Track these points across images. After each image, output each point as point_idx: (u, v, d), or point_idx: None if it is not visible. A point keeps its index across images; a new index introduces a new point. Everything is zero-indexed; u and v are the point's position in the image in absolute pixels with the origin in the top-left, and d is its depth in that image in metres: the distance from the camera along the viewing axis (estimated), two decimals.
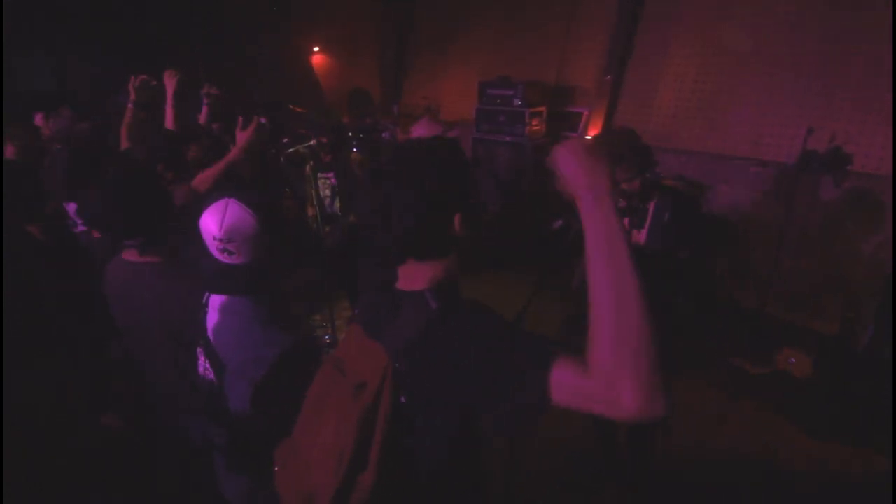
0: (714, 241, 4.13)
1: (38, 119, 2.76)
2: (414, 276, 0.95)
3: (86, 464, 1.66)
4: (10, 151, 2.72)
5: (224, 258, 1.18)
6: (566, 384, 0.72)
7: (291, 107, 6.16)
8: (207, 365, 1.26)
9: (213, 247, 1.17)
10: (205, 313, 1.27)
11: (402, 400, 0.87)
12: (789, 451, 2.63)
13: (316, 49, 7.33)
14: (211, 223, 1.15)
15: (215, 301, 1.26)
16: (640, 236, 2.02)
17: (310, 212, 3.33)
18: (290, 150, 3.21)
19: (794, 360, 1.45)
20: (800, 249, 3.69)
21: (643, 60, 4.77)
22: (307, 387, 1.03)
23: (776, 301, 3.82)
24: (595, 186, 0.77)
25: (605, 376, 0.67)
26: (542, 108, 5.22)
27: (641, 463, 2.31)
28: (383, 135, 5.48)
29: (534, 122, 5.11)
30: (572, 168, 0.80)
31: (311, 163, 3.29)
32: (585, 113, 5.17)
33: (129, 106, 2.42)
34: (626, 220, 2.02)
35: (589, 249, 0.76)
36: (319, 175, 3.26)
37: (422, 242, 0.91)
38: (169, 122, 2.48)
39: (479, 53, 6.51)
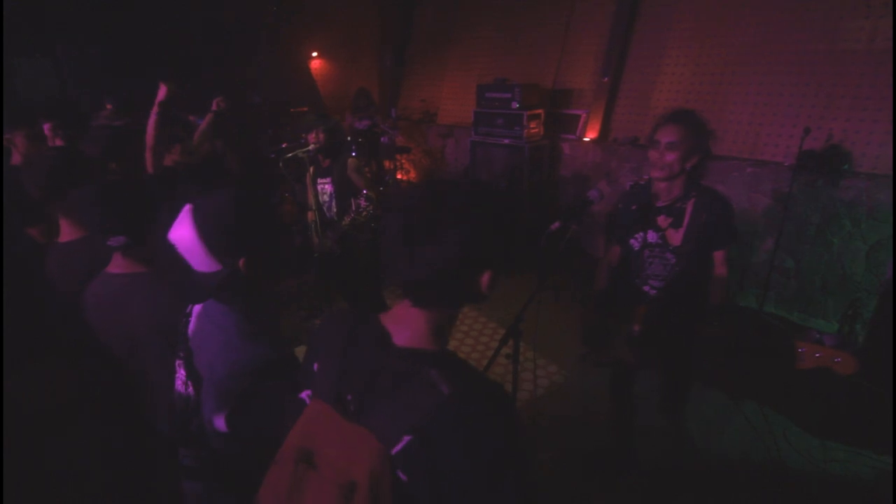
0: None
1: (46, 129, 2.86)
2: (408, 324, 0.83)
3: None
4: (16, 158, 2.78)
5: (195, 265, 1.12)
6: None
7: (293, 109, 6.20)
8: (186, 378, 1.22)
9: (182, 252, 1.12)
10: (187, 323, 1.23)
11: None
12: (793, 451, 2.63)
13: (314, 54, 7.37)
14: (180, 229, 1.11)
15: (198, 311, 1.23)
16: (677, 237, 1.98)
17: (309, 217, 3.35)
18: (289, 154, 3.22)
19: (839, 360, 1.46)
20: (798, 249, 3.70)
21: (640, 62, 4.80)
22: (286, 403, 0.93)
23: (775, 301, 3.83)
24: None
25: None
26: (540, 111, 5.24)
27: (678, 451, 2.35)
28: (382, 139, 5.51)
29: (532, 125, 5.13)
30: None
31: (312, 168, 3.31)
32: (583, 115, 5.19)
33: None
34: (661, 218, 1.99)
35: None
36: (318, 180, 3.28)
37: (437, 295, 0.82)
38: (150, 129, 2.45)
39: (476, 57, 6.54)
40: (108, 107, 4.19)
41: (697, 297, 2.05)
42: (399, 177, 7.20)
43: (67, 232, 1.73)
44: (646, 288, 2.12)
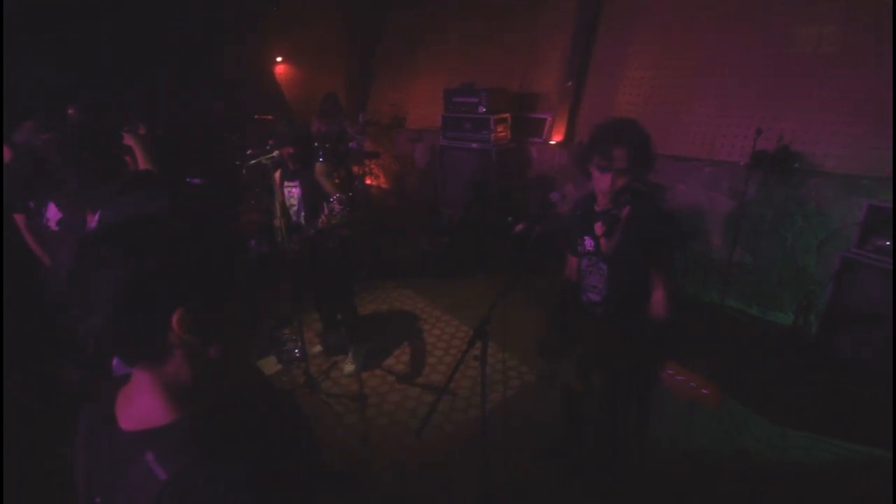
0: (674, 239, 4.28)
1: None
2: (137, 398, 0.72)
3: None
4: (7, 155, 2.88)
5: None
6: None
7: (258, 116, 6.09)
8: None
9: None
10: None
11: None
12: (755, 440, 2.73)
13: (279, 59, 7.27)
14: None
15: None
16: (610, 245, 1.94)
17: (276, 223, 3.29)
18: (253, 161, 3.16)
19: (707, 392, 1.42)
20: (755, 245, 3.85)
21: (602, 67, 4.92)
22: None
23: (736, 295, 3.98)
24: None
25: None
26: (507, 115, 5.31)
27: (609, 457, 2.36)
28: (350, 144, 5.48)
29: (499, 129, 5.19)
30: None
31: (279, 171, 3.26)
32: (549, 118, 5.28)
33: None
34: (598, 224, 1.96)
35: None
36: (286, 184, 3.23)
37: (124, 343, 0.69)
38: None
39: (444, 61, 6.58)
40: (70, 111, 4.08)
41: (632, 313, 1.97)
42: (368, 182, 7.16)
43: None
44: (585, 299, 2.09)
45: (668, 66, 4.41)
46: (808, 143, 3.60)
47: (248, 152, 4.24)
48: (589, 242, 2.01)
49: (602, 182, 1.84)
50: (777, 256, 3.77)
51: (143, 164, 2.75)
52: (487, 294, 2.21)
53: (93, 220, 1.15)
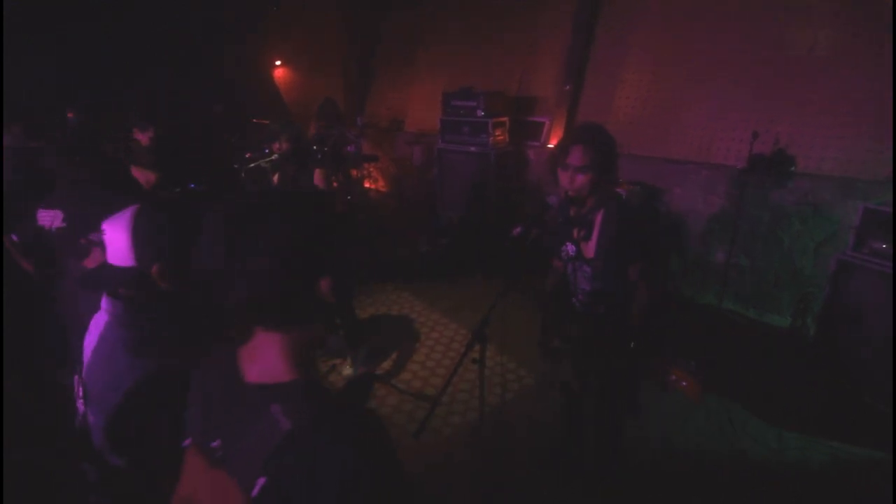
0: (671, 241, 4.30)
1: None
2: (260, 355, 0.80)
3: None
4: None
5: (111, 256, 1.18)
6: None
7: (255, 120, 6.11)
8: (80, 393, 1.21)
9: (105, 240, 1.19)
10: (84, 337, 1.23)
11: None
12: (752, 441, 2.74)
13: (278, 63, 7.28)
14: (116, 218, 1.18)
15: (93, 325, 1.23)
16: (589, 249, 1.99)
17: None
18: (252, 164, 3.18)
19: (685, 384, 1.45)
20: (752, 247, 3.87)
21: (599, 70, 4.95)
22: (166, 417, 0.92)
23: (733, 297, 3.99)
24: None
25: None
26: (505, 119, 5.33)
27: (609, 457, 2.37)
28: (348, 148, 5.49)
29: (497, 133, 5.21)
30: None
31: (277, 176, 3.27)
32: (547, 122, 5.30)
33: None
34: (576, 230, 2.01)
35: None
36: None
37: (280, 313, 0.78)
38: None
39: (442, 65, 6.61)
40: (70, 115, 4.09)
41: (619, 314, 2.04)
42: (367, 185, 7.17)
43: None
44: (574, 301, 2.16)
45: (665, 69, 4.44)
46: (804, 146, 3.62)
47: (247, 155, 4.26)
48: (570, 247, 2.07)
49: (563, 179, 1.91)
50: (774, 259, 3.79)
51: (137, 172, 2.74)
52: (486, 296, 2.21)
53: (110, 225, 1.18)
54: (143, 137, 4.01)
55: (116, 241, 1.16)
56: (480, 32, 6.06)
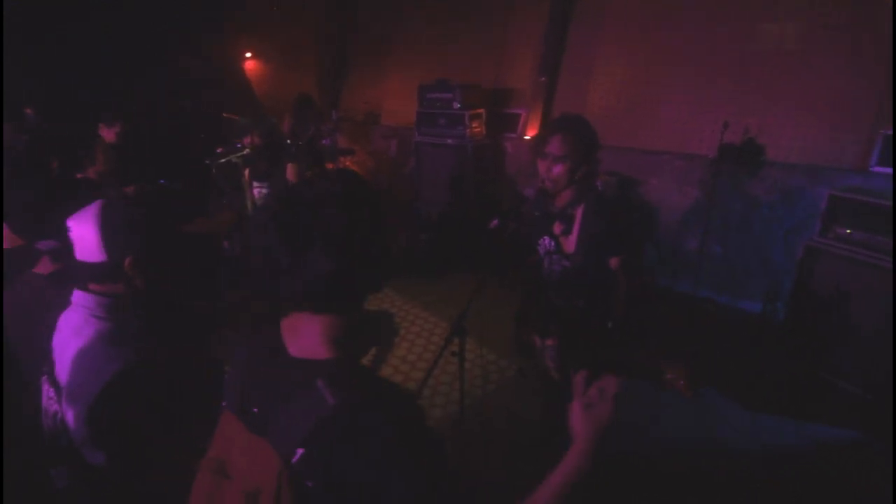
0: (647, 232, 4.36)
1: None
2: (302, 333, 0.82)
3: None
4: None
5: (80, 252, 1.18)
6: None
7: (225, 115, 5.95)
8: (52, 393, 1.19)
9: (72, 237, 1.18)
10: (52, 335, 1.22)
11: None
12: (728, 428, 2.80)
13: (248, 55, 7.10)
14: (82, 214, 1.17)
15: (63, 323, 1.21)
16: (570, 243, 1.97)
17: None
18: (223, 160, 3.09)
19: (682, 383, 1.47)
20: (724, 236, 3.96)
21: (574, 62, 4.96)
22: (147, 407, 0.94)
23: (707, 284, 4.08)
24: (595, 446, 0.92)
25: None
26: (482, 111, 5.31)
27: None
28: (323, 142, 5.39)
29: (474, 125, 5.19)
30: (585, 431, 0.93)
31: (248, 170, 3.19)
32: (523, 114, 5.31)
33: None
34: (556, 224, 1.99)
35: (545, 490, 0.86)
36: (255, 184, 3.17)
37: (331, 299, 0.80)
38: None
39: (418, 57, 6.54)
40: (28, 111, 3.92)
41: (601, 307, 2.04)
42: None
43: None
44: (552, 297, 2.13)
45: (640, 61, 4.48)
46: (773, 135, 3.70)
47: (218, 150, 4.14)
48: (548, 242, 2.03)
49: (541, 168, 1.90)
50: (745, 246, 3.88)
51: (102, 166, 2.65)
52: (466, 290, 2.19)
53: (85, 212, 1.18)
54: (108, 133, 3.86)
55: (85, 237, 1.15)
56: (455, 24, 6.01)
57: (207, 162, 4.20)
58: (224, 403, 0.90)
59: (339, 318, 0.82)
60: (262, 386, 0.83)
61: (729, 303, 4.00)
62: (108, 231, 1.14)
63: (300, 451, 0.72)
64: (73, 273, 1.20)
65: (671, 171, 4.21)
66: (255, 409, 0.82)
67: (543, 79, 5.05)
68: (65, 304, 1.25)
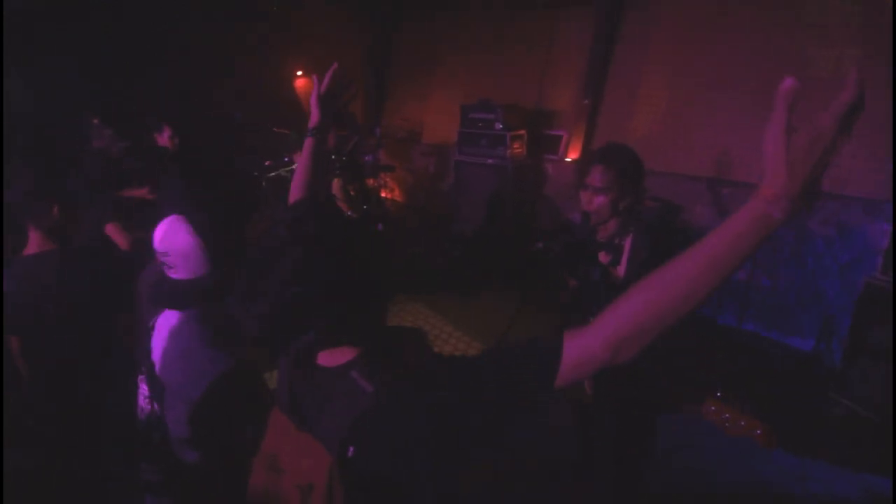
0: None
1: None
2: (337, 357, 0.84)
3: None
4: None
5: (166, 271, 1.24)
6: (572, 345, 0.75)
7: (275, 129, 6.19)
8: (147, 392, 1.24)
9: (157, 258, 1.25)
10: (150, 337, 1.27)
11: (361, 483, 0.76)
12: (776, 471, 2.65)
13: (299, 73, 7.39)
14: (156, 235, 1.23)
15: (162, 324, 1.26)
16: (619, 272, 1.93)
17: None
18: (272, 174, 3.21)
19: (759, 432, 1.40)
20: (774, 268, 3.79)
21: (618, 85, 4.93)
22: (248, 409, 0.98)
23: (754, 318, 3.91)
24: (790, 185, 0.66)
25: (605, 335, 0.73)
26: (523, 132, 5.33)
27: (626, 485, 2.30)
28: (366, 158, 5.52)
29: (515, 146, 5.21)
30: (779, 152, 0.66)
31: None
32: (565, 136, 5.29)
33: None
34: (602, 255, 1.95)
35: (716, 238, 0.69)
36: None
37: (342, 332, 0.83)
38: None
39: (460, 77, 6.65)
40: (95, 121, 4.15)
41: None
42: (383, 195, 7.21)
43: (36, 244, 1.74)
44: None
45: (687, 83, 4.40)
46: (829, 166, 3.54)
47: (267, 163, 4.31)
48: (595, 272, 2.00)
49: (583, 199, 1.86)
50: (797, 280, 3.70)
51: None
52: (499, 310, 2.17)
53: (158, 232, 1.28)
54: (160, 139, 4.06)
55: (189, 255, 1.20)
56: (498, 44, 6.09)
57: (256, 174, 4.38)
58: (275, 404, 0.93)
59: (364, 347, 0.84)
60: (304, 386, 0.86)
61: (778, 338, 3.81)
62: (209, 245, 1.21)
63: (352, 448, 0.75)
64: (180, 292, 1.24)
65: (717, 197, 4.09)
66: (302, 408, 0.85)
67: (587, 101, 5.03)
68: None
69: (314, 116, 1.33)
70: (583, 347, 0.73)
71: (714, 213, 4.10)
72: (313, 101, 1.32)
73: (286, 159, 3.31)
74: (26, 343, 1.63)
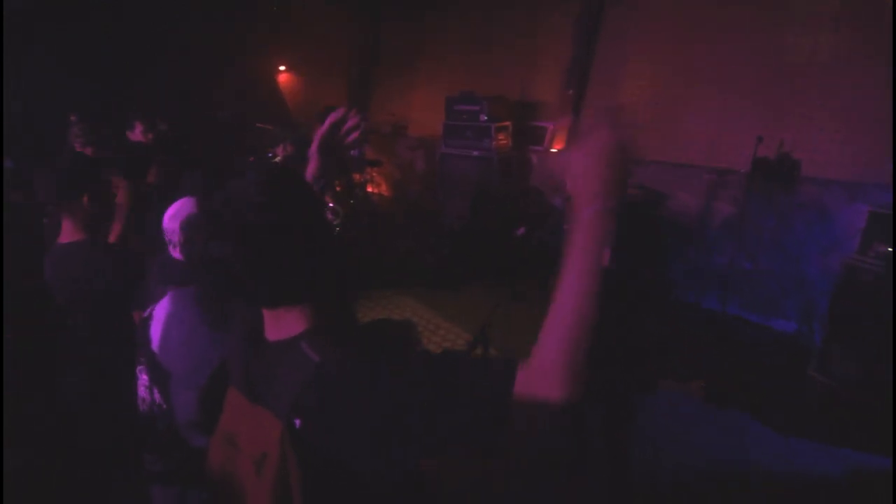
0: (675, 246, 4.28)
1: None
2: (283, 321, 0.83)
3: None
4: None
5: (171, 251, 1.27)
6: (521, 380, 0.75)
7: (259, 125, 6.13)
8: (146, 381, 1.23)
9: (165, 236, 1.29)
10: (148, 326, 1.25)
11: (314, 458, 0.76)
12: (760, 450, 2.70)
13: (282, 68, 7.32)
14: (167, 213, 1.27)
15: (160, 312, 1.24)
16: (604, 258, 2.01)
17: None
18: None
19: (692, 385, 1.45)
20: (756, 252, 3.85)
21: (602, 75, 4.95)
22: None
23: (737, 302, 3.96)
24: (606, 199, 0.78)
25: (545, 368, 0.74)
26: (508, 123, 5.34)
27: (617, 467, 2.33)
28: (351, 152, 5.50)
29: (500, 137, 5.21)
30: (589, 174, 0.79)
31: None
32: (550, 127, 5.31)
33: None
34: None
35: (572, 257, 0.80)
36: None
37: (293, 286, 0.81)
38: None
39: (445, 70, 6.63)
40: (73, 118, 4.08)
41: (631, 318, 2.02)
42: (370, 189, 7.18)
43: (69, 233, 1.76)
44: None
45: (669, 73, 4.44)
46: (808, 150, 3.60)
47: (251, 160, 4.27)
48: None
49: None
50: (778, 264, 3.76)
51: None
52: (488, 301, 2.17)
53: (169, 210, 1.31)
54: (131, 136, 4.00)
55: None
56: (482, 37, 6.08)
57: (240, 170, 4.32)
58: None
59: (313, 308, 0.83)
60: (256, 361, 0.87)
61: (760, 321, 3.87)
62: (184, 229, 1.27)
63: (298, 420, 0.75)
64: (170, 268, 1.30)
65: (700, 184, 4.14)
66: (254, 382, 0.85)
67: (570, 91, 5.05)
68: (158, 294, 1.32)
69: (311, 166, 1.24)
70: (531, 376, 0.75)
71: (698, 199, 4.15)
72: (312, 151, 1.24)
73: (270, 154, 3.28)
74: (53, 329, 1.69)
